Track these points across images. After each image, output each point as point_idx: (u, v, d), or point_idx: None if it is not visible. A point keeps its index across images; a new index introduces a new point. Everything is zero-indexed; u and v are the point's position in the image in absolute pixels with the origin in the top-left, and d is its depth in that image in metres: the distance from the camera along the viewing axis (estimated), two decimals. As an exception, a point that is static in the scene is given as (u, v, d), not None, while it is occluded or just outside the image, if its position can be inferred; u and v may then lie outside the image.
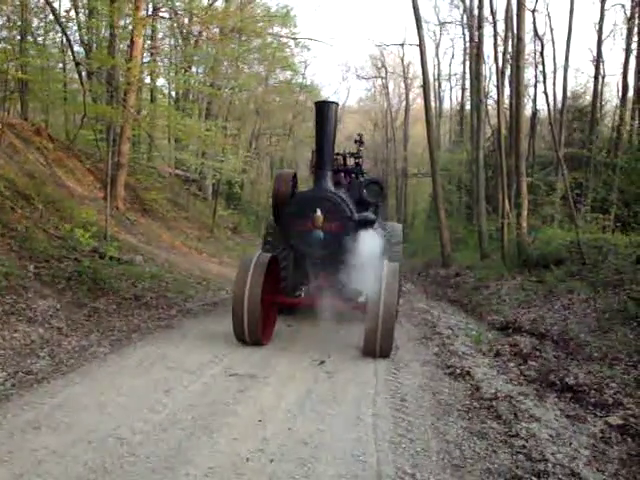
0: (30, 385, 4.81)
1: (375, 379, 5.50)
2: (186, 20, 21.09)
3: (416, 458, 3.64)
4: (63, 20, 12.91)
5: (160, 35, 21.71)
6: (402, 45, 29.85)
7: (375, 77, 40.92)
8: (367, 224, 7.56)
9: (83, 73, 15.72)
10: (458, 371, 6.12)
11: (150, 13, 14.66)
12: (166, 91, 24.58)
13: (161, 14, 16.84)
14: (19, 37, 14.97)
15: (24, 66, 14.35)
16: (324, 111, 7.37)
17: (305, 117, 38.20)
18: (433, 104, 36.36)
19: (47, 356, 5.75)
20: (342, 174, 9.45)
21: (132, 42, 13.47)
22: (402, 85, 37.98)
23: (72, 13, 18.68)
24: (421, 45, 17.86)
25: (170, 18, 16.28)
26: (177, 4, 14.79)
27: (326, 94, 53.11)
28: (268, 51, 26.62)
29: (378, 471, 3.40)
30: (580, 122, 24.23)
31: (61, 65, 16.38)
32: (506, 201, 15.53)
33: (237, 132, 28.41)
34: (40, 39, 17.15)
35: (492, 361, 7.00)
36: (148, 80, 18.42)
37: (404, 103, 38.78)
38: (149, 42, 20.88)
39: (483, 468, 3.58)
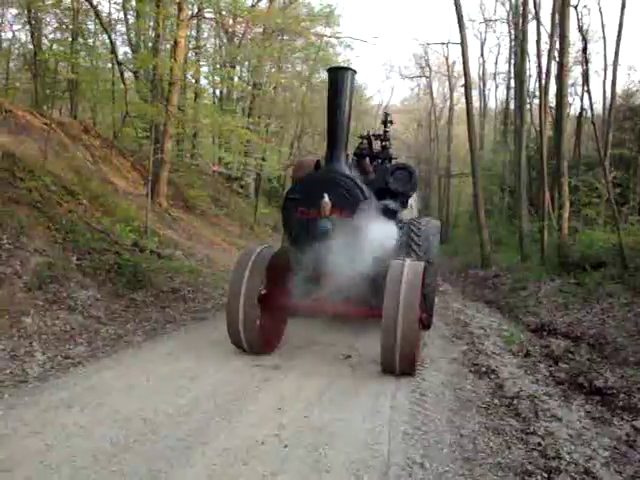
0: (67, 368, 5.10)
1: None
2: (230, 21, 21.53)
3: (427, 449, 3.70)
4: (112, 22, 13.46)
5: (205, 35, 22.16)
6: (446, 44, 29.50)
7: (419, 76, 40.70)
8: (387, 215, 6.57)
9: (129, 73, 16.33)
10: (483, 369, 6.11)
11: (194, 14, 15.00)
12: (210, 90, 25.05)
13: (205, 14, 17.21)
14: (70, 39, 15.64)
15: (74, 66, 15.01)
16: (337, 80, 6.18)
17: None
18: (477, 104, 35.95)
19: (85, 342, 6.05)
20: (367, 159, 8.44)
21: (175, 42, 13.87)
22: (446, 84, 37.62)
23: (121, 15, 19.44)
24: (463, 44, 17.67)
25: (213, 19, 16.63)
26: (221, 4, 15.09)
27: (369, 93, 53.15)
28: (312, 50, 26.83)
29: (388, 459, 3.48)
30: (632, 121, 23.44)
31: (110, 65, 17.00)
32: (547, 202, 15.21)
33: (279, 130, 28.75)
34: (90, 41, 17.88)
35: (521, 361, 6.94)
36: (191, 79, 18.77)
37: (448, 102, 38.35)
38: (193, 42, 21.42)
39: (494, 462, 3.61)
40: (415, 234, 7.55)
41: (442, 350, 7.03)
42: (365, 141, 8.65)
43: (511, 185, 24.59)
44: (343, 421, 4.11)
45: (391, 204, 6.98)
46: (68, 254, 7.90)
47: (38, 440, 3.44)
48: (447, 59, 34.52)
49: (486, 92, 34.91)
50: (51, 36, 19.89)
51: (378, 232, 5.80)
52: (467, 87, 18.10)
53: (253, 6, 23.62)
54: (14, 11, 21.66)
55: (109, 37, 8.84)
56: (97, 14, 7.86)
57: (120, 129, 14.42)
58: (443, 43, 31.15)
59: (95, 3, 12.85)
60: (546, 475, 3.53)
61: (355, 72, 6.35)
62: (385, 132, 8.98)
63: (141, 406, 4.14)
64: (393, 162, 8.61)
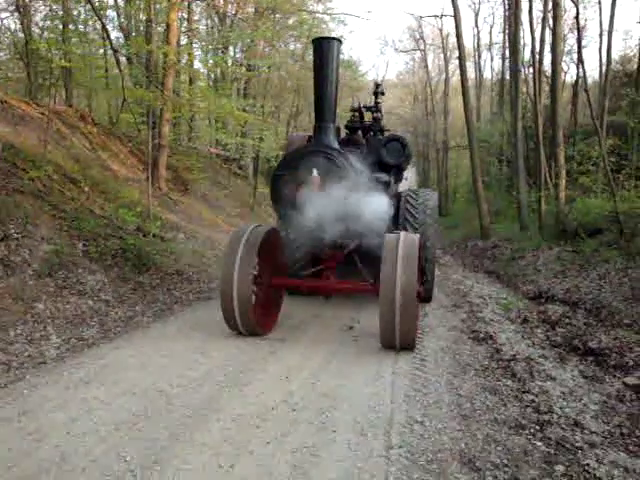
0: (82, 349, 5.34)
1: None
2: (221, 1, 21.40)
3: (427, 409, 3.94)
4: (103, 7, 13.43)
5: (196, 17, 22.03)
6: (440, 17, 29.24)
7: (414, 50, 40.41)
8: (378, 187, 6.39)
9: (123, 59, 16.30)
10: (482, 335, 6.35)
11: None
12: (205, 73, 24.97)
13: (195, -3, 17.12)
14: (61, 26, 15.61)
15: (67, 54, 15.00)
16: (322, 50, 6.00)
17: (343, 94, 38.26)
18: (473, 75, 35.74)
19: (96, 325, 6.29)
20: (359, 132, 8.28)
21: (167, 26, 13.86)
22: (441, 57, 37.34)
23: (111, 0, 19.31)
24: (456, 16, 17.64)
25: (204, 0, 16.55)
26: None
27: (364, 69, 52.74)
28: (305, 27, 26.66)
29: (390, 418, 3.72)
30: (629, 87, 23.37)
31: (102, 51, 16.99)
32: (544, 172, 15.34)
33: (275, 110, 28.70)
34: (81, 27, 17.80)
35: (518, 327, 7.18)
36: (185, 63, 18.74)
37: (444, 75, 38.14)
38: (185, 25, 21.29)
39: (490, 418, 3.85)
40: (412, 206, 7.61)
41: (442, 319, 7.26)
42: (356, 114, 8.42)
43: (509, 156, 24.63)
44: (348, 386, 4.35)
45: (383, 177, 6.78)
46: (74, 241, 8.09)
47: (62, 414, 3.68)
48: (441, 31, 34.28)
49: (481, 63, 34.74)
50: (41, 24, 19.82)
51: (368, 206, 5.58)
52: (461, 58, 18.11)
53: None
54: (2, -1, 21.57)
55: (102, 23, 8.88)
56: (89, 1, 7.90)
57: (118, 115, 14.47)
58: (436, 16, 30.86)
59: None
60: (538, 427, 3.77)
61: (341, 42, 6.26)
62: (376, 103, 8.70)
63: (156, 380, 4.37)
64: (386, 134, 8.41)
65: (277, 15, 24.66)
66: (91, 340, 5.67)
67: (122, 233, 9.52)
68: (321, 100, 6.10)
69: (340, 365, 4.95)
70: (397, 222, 7.62)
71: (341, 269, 6.17)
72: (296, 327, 6.39)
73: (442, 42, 34.35)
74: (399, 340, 5.18)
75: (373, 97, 8.80)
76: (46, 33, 18.98)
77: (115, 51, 9.00)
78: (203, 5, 21.59)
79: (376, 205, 5.67)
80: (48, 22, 17.35)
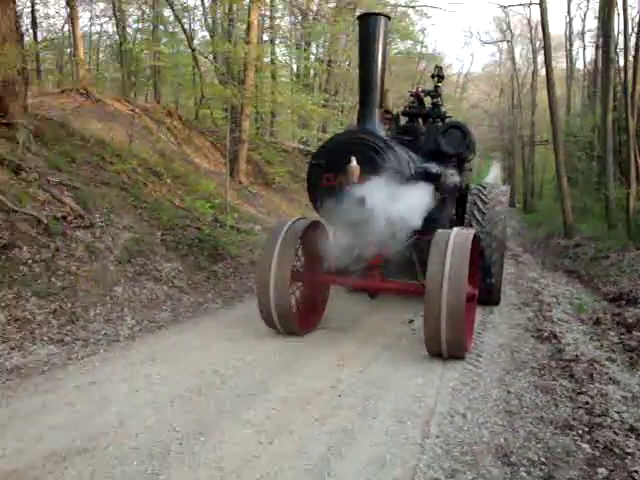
0: (152, 331, 5.75)
1: (457, 338, 5.74)
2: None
3: (472, 402, 3.93)
4: (190, 8, 14.13)
5: (278, 14, 22.54)
6: (528, 5, 27.98)
7: (500, 41, 39.07)
8: (428, 179, 5.69)
9: (210, 56, 17.05)
10: (546, 334, 6.16)
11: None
12: (287, 68, 25.51)
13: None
14: (152, 27, 16.56)
15: (157, 54, 15.90)
16: (368, 27, 5.48)
17: (426, 86, 37.81)
18: (564, 65, 34.07)
19: (168, 309, 6.71)
20: (419, 120, 7.73)
21: (249, 24, 14.33)
22: (529, 48, 35.85)
23: (198, 1, 20.16)
24: (542, 3, 16.89)
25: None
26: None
27: (449, 61, 51.61)
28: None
29: (432, 409, 3.76)
30: None
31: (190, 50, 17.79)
32: (634, 167, 14.45)
33: (355, 105, 28.80)
34: (170, 28, 18.78)
35: (589, 328, 6.89)
36: (267, 59, 19.28)
37: (531, 67, 36.61)
38: (268, 22, 21.87)
39: (537, 416, 3.79)
40: (481, 201, 7.30)
41: (507, 317, 7.11)
42: (415, 99, 7.90)
43: (599, 151, 23.32)
44: (396, 377, 4.42)
45: (433, 167, 5.91)
46: (153, 230, 8.62)
47: (126, 386, 4.03)
48: (529, 21, 32.87)
49: (573, 53, 32.92)
50: (135, 26, 21.11)
51: (406, 200, 5.00)
52: (547, 49, 17.33)
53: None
54: (102, 5, 23.15)
55: (181, 25, 9.43)
56: (170, 5, 8.40)
57: (197, 111, 15.15)
58: (521, 4, 29.58)
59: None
60: (587, 429, 3.66)
61: (389, 18, 5.71)
62: (436, 87, 7.93)
63: (214, 361, 4.65)
64: (447, 121, 7.74)
65: (358, 10, 24.76)
66: (162, 323, 6.08)
67: (199, 224, 10.01)
68: (365, 83, 5.58)
69: (393, 355, 5.01)
70: (462, 218, 7.45)
71: (398, 265, 5.69)
72: (357, 318, 6.49)
73: (530, 32, 32.97)
74: (446, 348, 4.73)
75: (433, 81, 8.07)
76: (139, 35, 20.21)
77: (193, 50, 9.47)
78: (286, 2, 22.07)
79: (413, 201, 5.04)
80: (140, 24, 18.52)
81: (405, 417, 3.61)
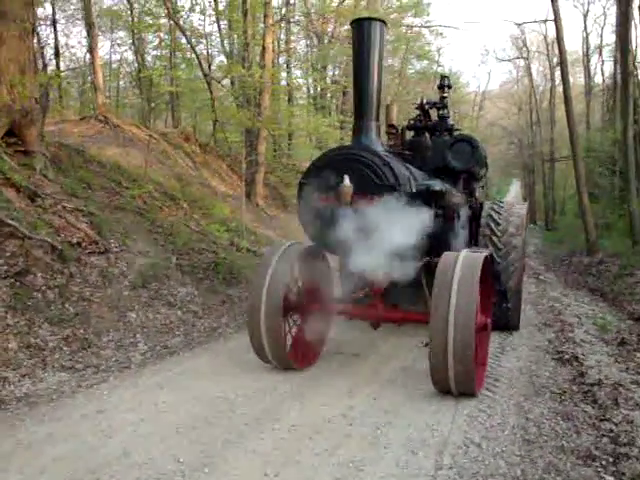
0: (163, 357, 5.70)
1: (474, 361, 5.58)
2: (317, 21, 22.01)
3: (489, 431, 3.78)
4: (200, 33, 14.39)
5: (294, 38, 22.82)
6: (544, 22, 27.89)
7: (516, 58, 38.96)
8: (431, 197, 5.18)
9: (226, 81, 17.29)
10: (567, 357, 5.95)
11: (281, 18, 15.60)
12: (303, 89, 25.74)
13: (292, 19, 17.76)
14: (169, 54, 16.87)
15: (174, 79, 16.16)
16: (363, 33, 5.05)
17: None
18: (582, 80, 33.83)
19: (182, 334, 6.67)
20: (426, 134, 7.18)
21: (264, 48, 14.50)
22: (546, 64, 35.68)
23: (215, 27, 20.57)
24: (557, 20, 16.81)
25: (297, 22, 17.15)
26: (305, 9, 15.56)
27: (465, 79, 51.57)
28: (402, 42, 26.76)
29: (446, 438, 3.61)
30: None
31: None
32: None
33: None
34: (188, 54, 19.14)
35: (613, 349, 6.66)
36: (282, 82, 19.48)
37: (549, 83, 36.40)
38: (284, 46, 22.14)
39: (557, 446, 3.61)
40: (494, 221, 6.92)
41: (527, 338, 6.92)
42: (420, 111, 7.42)
43: (621, 166, 22.95)
44: (409, 403, 4.28)
45: (436, 184, 5.33)
46: (168, 254, 8.63)
47: (133, 414, 3.97)
48: (546, 37, 32.73)
49: (591, 68, 32.66)
50: (154, 52, 21.56)
51: (406, 221, 4.55)
52: (563, 64, 17.21)
53: (342, 3, 23.96)
54: (122, 34, 23.75)
55: (194, 52, 9.55)
56: (183, 32, 8.53)
57: (213, 134, 15.31)
58: (536, 21, 29.54)
59: (187, 19, 13.84)
60: (612, 460, 3.47)
61: (385, 23, 5.27)
62: (442, 98, 7.45)
63: (224, 388, 4.57)
64: (455, 135, 7.32)
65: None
66: (174, 348, 6.03)
67: (215, 247, 10.01)
68: (360, 93, 5.12)
69: (406, 381, 4.88)
70: (476, 239, 7.09)
71: (408, 291, 5.19)
72: (372, 342, 6.36)
73: (547, 48, 32.84)
74: (454, 383, 4.23)
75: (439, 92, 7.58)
76: (158, 61, 20.62)
77: (206, 75, 9.58)
78: (302, 25, 22.33)
79: (410, 222, 4.57)
80: (157, 52, 18.90)
81: (417, 447, 3.47)
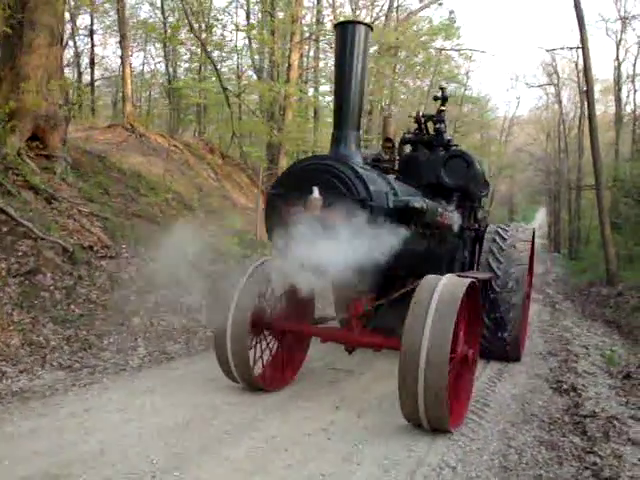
0: (161, 362, 5.81)
1: (468, 385, 5.54)
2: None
3: (467, 455, 3.75)
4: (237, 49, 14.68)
5: (322, 56, 23.11)
6: (573, 49, 27.65)
7: (546, 84, 38.69)
8: (410, 214, 4.68)
9: (254, 95, 17.58)
10: (565, 387, 5.87)
11: (307, 37, 15.89)
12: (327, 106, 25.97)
13: (322, 38, 18.04)
14: (199, 67, 17.28)
15: (202, 92, 16.54)
16: (346, 37, 4.73)
17: (470, 129, 37.77)
18: (613, 109, 33.37)
19: (182, 342, 6.78)
20: (423, 148, 6.84)
21: (289, 65, 14.76)
22: (577, 91, 35.36)
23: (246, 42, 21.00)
24: (584, 47, 16.74)
25: (326, 40, 17.41)
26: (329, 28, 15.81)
27: (493, 104, 51.38)
28: (430, 63, 26.88)
29: (421, 459, 3.60)
30: None
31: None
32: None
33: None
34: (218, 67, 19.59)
35: (616, 382, 6.52)
36: (307, 97, 19.69)
37: (579, 111, 36.02)
38: (312, 62, 22.44)
39: (535, 475, 3.57)
40: (497, 246, 6.60)
41: (528, 366, 6.82)
42: (414, 123, 7.04)
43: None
44: (393, 423, 4.26)
45: (417, 201, 4.70)
46: (179, 262, 8.77)
47: (118, 415, 4.07)
48: (576, 65, 32.45)
49: (622, 96, 32.24)
50: (185, 65, 22.11)
51: (376, 239, 4.20)
52: (589, 92, 17.06)
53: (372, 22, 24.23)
54: (158, 45, 24.40)
55: (215, 68, 9.83)
56: (204, 48, 8.80)
57: (229, 147, 15.57)
58: (562, 48, 29.29)
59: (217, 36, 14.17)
60: (590, 492, 3.43)
61: (371, 28, 4.98)
62: (439, 111, 6.99)
63: (213, 395, 4.65)
64: (451, 150, 6.84)
65: (402, 53, 25.09)
66: (172, 354, 6.13)
67: (226, 257, 10.14)
68: (340, 102, 4.82)
69: (395, 400, 4.77)
70: (476, 264, 6.91)
71: (396, 314, 4.72)
72: (367, 358, 6.35)
73: (577, 75, 32.57)
74: (424, 417, 3.91)
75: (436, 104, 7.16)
76: (189, 74, 21.13)
77: (224, 89, 9.82)
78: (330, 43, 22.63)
79: (381, 239, 4.23)
80: (188, 64, 19.37)
81: (390, 466, 3.47)
